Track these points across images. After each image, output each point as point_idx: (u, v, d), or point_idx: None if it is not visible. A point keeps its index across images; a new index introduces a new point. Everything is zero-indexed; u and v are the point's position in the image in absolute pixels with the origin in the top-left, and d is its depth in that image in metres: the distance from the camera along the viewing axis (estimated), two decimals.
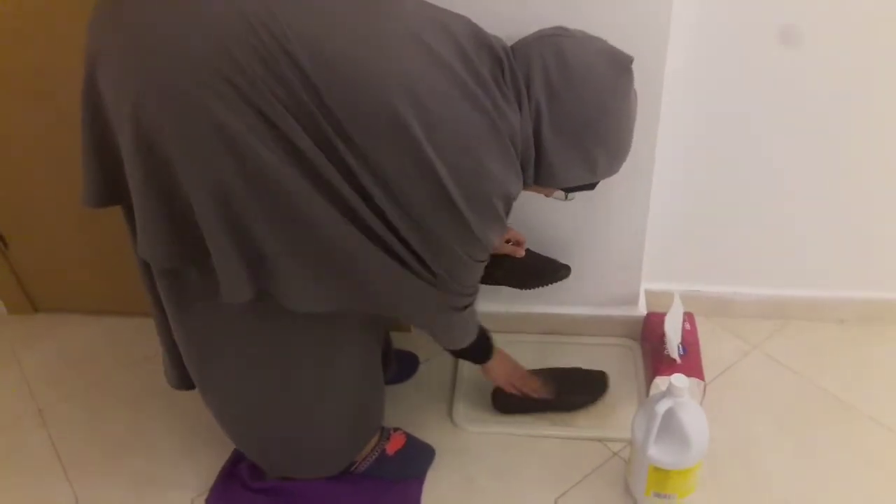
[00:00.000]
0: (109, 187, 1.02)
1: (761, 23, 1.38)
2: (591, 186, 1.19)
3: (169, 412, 1.61)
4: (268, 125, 0.90)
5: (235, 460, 1.47)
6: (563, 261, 1.54)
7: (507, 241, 1.49)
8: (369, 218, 0.98)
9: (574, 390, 1.56)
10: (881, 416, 1.50)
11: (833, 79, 1.42)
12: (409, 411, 1.57)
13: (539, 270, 1.53)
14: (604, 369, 1.60)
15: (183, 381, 1.28)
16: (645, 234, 1.58)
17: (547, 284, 1.53)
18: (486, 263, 1.16)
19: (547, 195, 1.22)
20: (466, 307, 1.22)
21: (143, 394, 1.67)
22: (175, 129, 0.91)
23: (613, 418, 1.53)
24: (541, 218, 1.55)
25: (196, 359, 1.21)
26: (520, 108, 1.04)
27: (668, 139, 1.46)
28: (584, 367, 1.61)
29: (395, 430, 1.47)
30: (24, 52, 1.51)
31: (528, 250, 1.52)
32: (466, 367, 1.66)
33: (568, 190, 1.19)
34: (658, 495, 1.29)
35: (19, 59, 1.53)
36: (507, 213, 1.09)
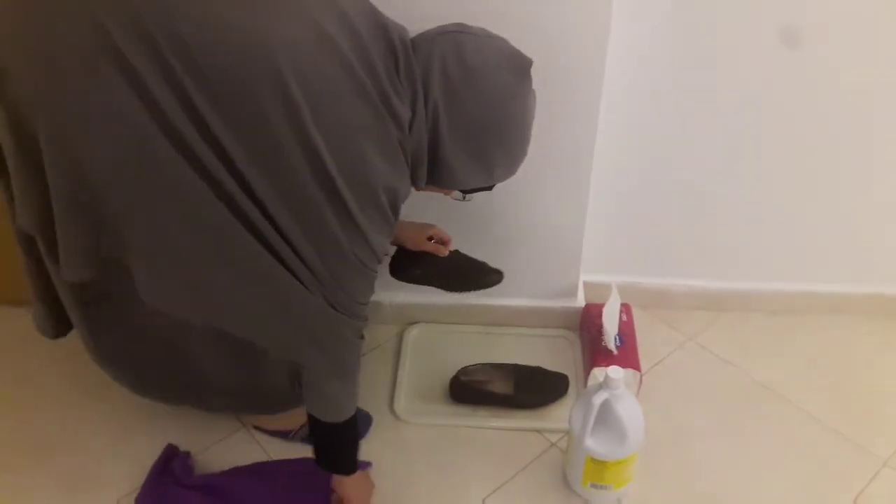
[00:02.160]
0: None
1: (702, 13, 1.39)
2: (490, 188, 1.17)
3: (98, 408, 1.54)
4: (138, 94, 0.87)
5: (168, 457, 1.42)
6: (508, 264, 1.49)
7: (430, 239, 1.43)
8: (246, 206, 0.94)
9: (533, 389, 1.56)
10: (810, 405, 1.55)
11: (767, 70, 1.46)
12: None
13: (465, 273, 1.48)
14: (542, 360, 1.62)
15: (59, 329, 1.27)
16: (584, 227, 1.60)
17: (475, 289, 1.49)
18: (374, 276, 1.10)
19: (445, 195, 1.21)
20: (354, 332, 1.13)
21: (70, 389, 1.60)
22: (39, 101, 0.90)
23: (552, 409, 1.54)
24: (478, 211, 1.54)
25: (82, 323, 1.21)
26: (414, 105, 1.02)
27: (607, 132, 1.47)
28: (522, 359, 1.62)
29: None
30: None
31: (456, 252, 1.48)
32: (408, 359, 1.65)
33: (466, 191, 1.18)
34: (595, 486, 1.31)
35: None
36: (395, 212, 1.06)
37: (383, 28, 1.01)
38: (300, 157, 0.93)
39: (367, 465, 1.39)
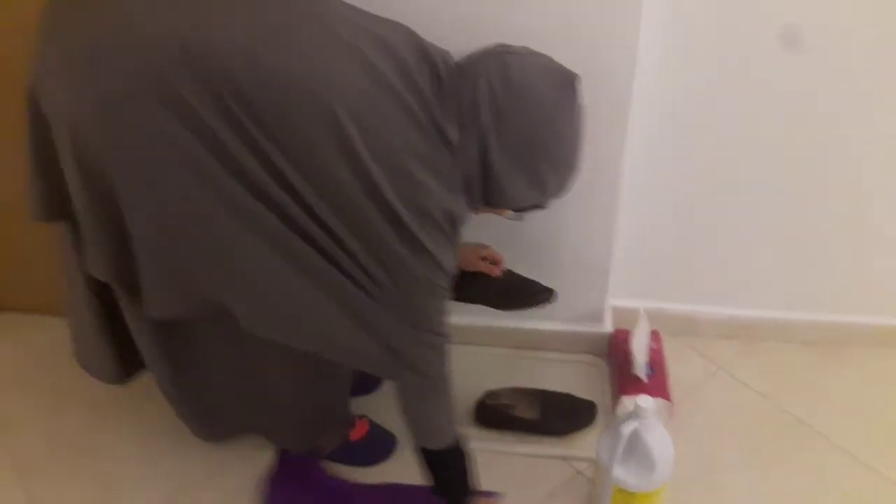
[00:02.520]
0: (56, 202, 1.04)
1: (736, 36, 1.38)
2: (543, 206, 1.17)
3: (130, 417, 1.56)
4: (203, 141, 0.90)
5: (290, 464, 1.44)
6: (543, 282, 1.49)
7: (483, 259, 1.45)
8: (318, 234, 0.97)
9: (560, 416, 1.54)
10: (843, 440, 1.51)
11: (809, 99, 1.44)
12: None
13: (518, 292, 1.48)
14: (570, 386, 1.60)
15: (123, 371, 1.29)
16: (612, 250, 1.58)
17: (526, 307, 1.49)
18: (447, 295, 1.12)
19: (499, 215, 1.21)
20: (437, 348, 1.14)
21: (104, 398, 1.61)
22: (109, 150, 0.93)
23: (579, 437, 1.52)
24: (504, 233, 1.53)
25: (165, 363, 1.23)
26: (462, 128, 1.02)
27: (637, 155, 1.47)
28: (549, 384, 1.60)
29: (361, 417, 1.48)
30: None
31: (509, 271, 1.48)
32: None
33: (519, 210, 1.18)
34: None
35: None
36: (455, 232, 1.07)
37: (426, 53, 1.03)
38: (360, 190, 0.96)
39: (496, 495, 1.36)
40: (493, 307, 1.47)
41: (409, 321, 1.08)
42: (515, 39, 1.10)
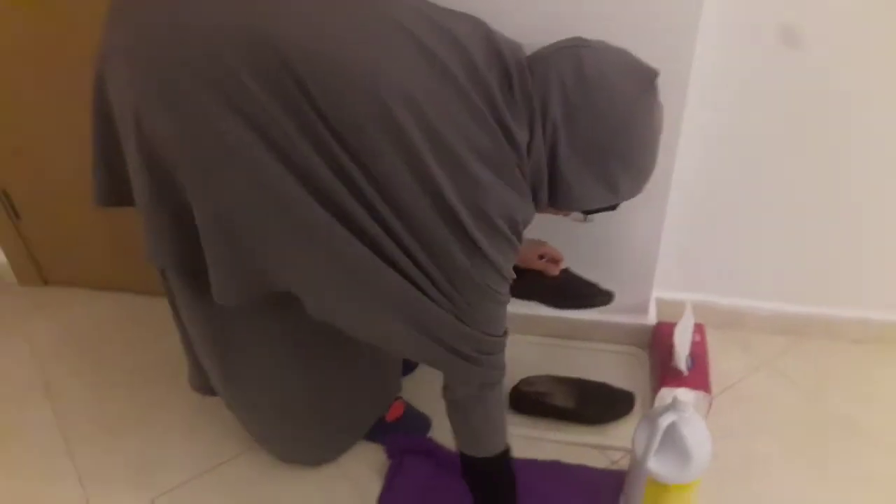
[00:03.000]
0: (118, 189, 1.05)
1: (787, 33, 1.34)
2: (613, 207, 1.11)
3: (174, 393, 1.60)
4: (266, 135, 0.90)
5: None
6: (592, 274, 1.45)
7: (541, 258, 1.41)
8: (377, 233, 0.95)
9: (596, 404, 1.53)
10: (889, 439, 1.46)
11: (863, 92, 1.39)
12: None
13: (575, 293, 1.44)
14: (608, 376, 1.58)
15: (207, 385, 1.30)
16: (659, 242, 1.55)
17: (583, 307, 1.46)
18: (507, 300, 1.09)
19: (565, 216, 1.17)
20: (495, 373, 1.13)
21: (149, 372, 1.67)
22: (175, 139, 0.93)
23: (614, 427, 1.51)
24: (552, 222, 1.52)
25: (216, 359, 1.22)
26: (532, 126, 0.98)
27: (689, 145, 1.43)
28: (587, 373, 1.59)
29: (396, 398, 1.50)
30: (40, 27, 1.52)
31: (567, 270, 1.44)
32: None
33: (588, 212, 1.13)
34: None
35: (33, 34, 1.54)
36: (518, 235, 1.03)
37: (497, 50, 0.98)
38: (419, 192, 0.93)
39: None
40: (549, 305, 1.44)
41: (468, 324, 1.05)
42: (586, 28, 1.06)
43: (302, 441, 1.41)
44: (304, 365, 1.24)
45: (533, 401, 1.52)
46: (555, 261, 1.41)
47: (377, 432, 1.48)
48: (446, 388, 1.15)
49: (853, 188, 1.51)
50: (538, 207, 1.06)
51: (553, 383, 1.55)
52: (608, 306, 1.64)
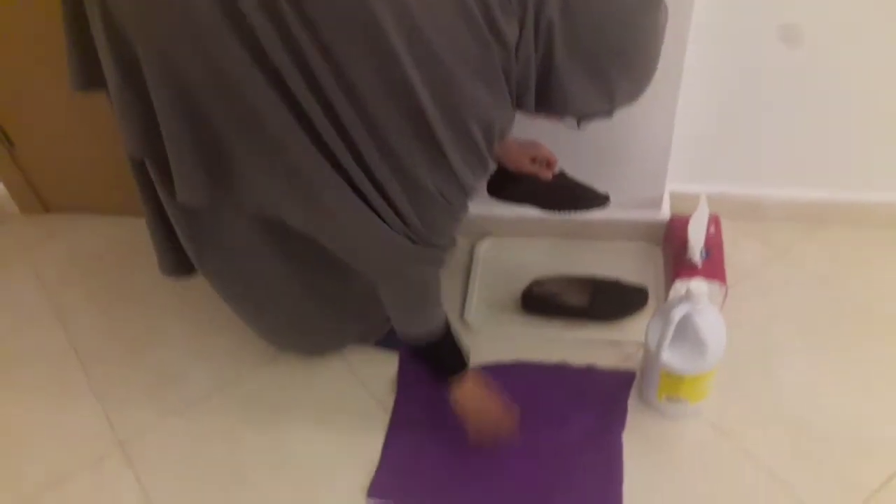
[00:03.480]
0: (91, 72, 1.00)
1: None
2: (610, 115, 1.04)
3: (184, 310, 1.61)
4: (231, 14, 0.84)
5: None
6: (588, 173, 1.38)
7: (534, 161, 1.34)
8: (333, 141, 0.92)
9: (609, 301, 1.51)
10: None
11: None
12: None
13: (570, 197, 1.38)
14: (621, 273, 1.56)
15: (178, 267, 1.27)
16: (672, 131, 1.49)
17: (577, 210, 1.39)
18: (464, 212, 1.07)
19: (558, 122, 1.09)
20: (435, 261, 1.11)
21: (158, 292, 1.67)
22: (140, 22, 0.89)
23: (629, 322, 1.50)
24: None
25: (193, 244, 1.20)
26: (523, 23, 0.90)
27: (700, 30, 1.35)
28: (599, 272, 1.56)
29: None
30: None
31: (562, 174, 1.38)
32: (479, 272, 1.63)
33: (582, 118, 1.06)
34: (670, 399, 1.27)
35: None
36: (490, 148, 0.99)
37: None
38: (388, 90, 0.88)
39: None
40: (543, 209, 1.39)
41: (412, 235, 1.03)
42: None
43: (295, 329, 1.40)
44: (284, 254, 1.20)
45: (545, 301, 1.50)
46: (548, 164, 1.35)
47: (392, 339, 1.47)
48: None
49: (874, 68, 1.43)
50: (524, 113, 1.01)
51: (565, 283, 1.53)
52: (621, 202, 1.60)
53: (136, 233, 1.81)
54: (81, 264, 1.79)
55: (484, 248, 1.70)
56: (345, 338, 1.47)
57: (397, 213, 1.00)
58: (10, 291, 1.73)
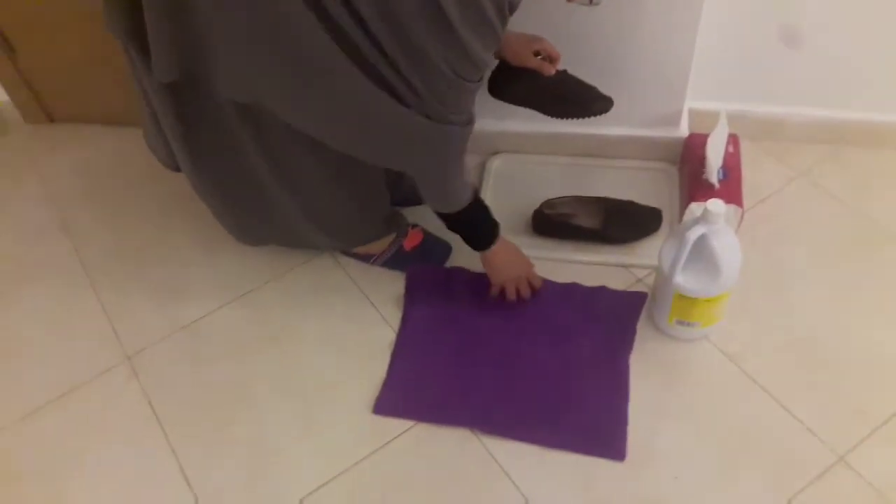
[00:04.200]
0: None
1: None
2: None
3: (192, 222, 1.59)
4: None
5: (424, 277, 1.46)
6: (604, 88, 1.33)
7: (537, 55, 1.29)
8: (345, 21, 0.90)
9: (623, 224, 1.47)
10: None
11: None
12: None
13: (571, 96, 1.33)
14: (635, 195, 1.52)
15: (172, 158, 1.27)
16: (693, 46, 1.42)
17: (579, 116, 1.35)
18: (476, 87, 1.04)
19: (569, 1, 1.08)
20: (454, 138, 1.10)
21: (165, 204, 1.65)
22: None
23: (641, 245, 1.47)
24: (577, 26, 1.39)
25: (180, 140, 1.19)
26: None
27: None
28: (613, 193, 1.52)
29: (414, 226, 1.48)
30: None
31: (565, 72, 1.33)
32: (490, 190, 1.60)
33: None
34: (681, 323, 1.26)
35: None
36: (503, 19, 0.96)
37: None
38: None
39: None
40: (543, 112, 1.34)
41: (429, 113, 1.03)
42: None
43: (265, 223, 1.39)
44: (266, 150, 1.18)
45: (557, 223, 1.47)
46: (551, 59, 1.30)
47: (397, 260, 1.47)
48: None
49: None
50: None
51: (577, 204, 1.50)
52: (638, 119, 1.55)
53: (142, 143, 1.78)
54: (87, 175, 1.76)
55: (495, 166, 1.66)
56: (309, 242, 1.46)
57: (410, 87, 0.99)
58: (15, 204, 1.72)
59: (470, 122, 1.10)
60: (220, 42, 0.96)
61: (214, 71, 1.00)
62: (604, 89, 1.35)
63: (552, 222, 1.47)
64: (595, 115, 1.34)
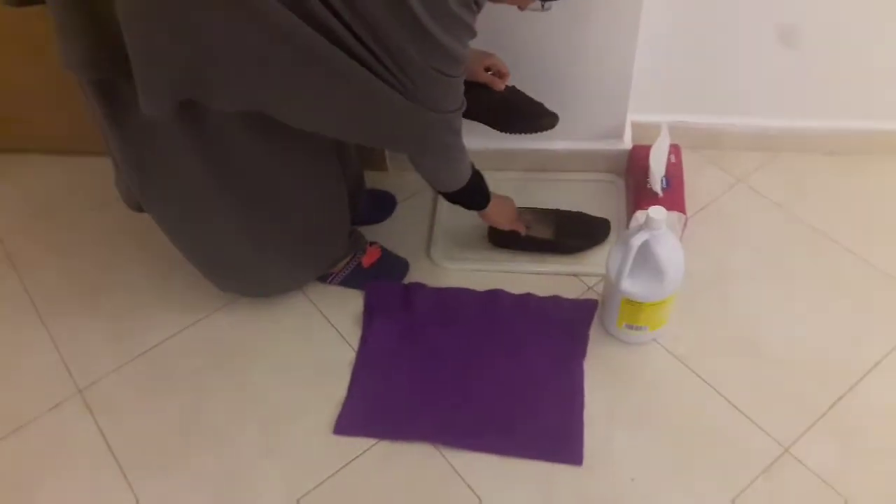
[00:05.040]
0: None
1: None
2: None
3: (141, 252, 1.57)
4: None
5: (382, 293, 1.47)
6: (550, 104, 1.39)
7: (487, 70, 1.35)
8: (333, 24, 0.90)
9: (574, 234, 1.51)
10: (859, 247, 1.48)
11: None
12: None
13: (519, 112, 1.38)
14: (585, 206, 1.56)
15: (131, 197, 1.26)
16: (633, 62, 1.47)
17: (528, 131, 1.39)
18: (461, 79, 1.07)
19: (521, 7, 1.10)
20: (448, 126, 1.13)
21: (113, 234, 1.63)
22: None
23: (590, 254, 1.51)
24: (524, 45, 1.43)
25: (135, 173, 1.17)
26: None
27: None
28: (564, 205, 1.56)
29: (372, 244, 1.49)
30: None
31: (513, 88, 1.37)
32: (444, 206, 1.60)
33: None
34: (630, 327, 1.29)
35: None
36: (470, 13, 0.97)
37: None
38: None
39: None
40: (491, 126, 1.38)
41: (430, 107, 1.05)
42: None
43: (236, 269, 1.38)
44: (223, 185, 1.17)
45: (510, 235, 1.50)
46: (501, 75, 1.35)
47: (355, 278, 1.47)
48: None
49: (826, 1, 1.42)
50: None
51: (530, 216, 1.53)
52: (584, 133, 1.60)
53: (87, 174, 1.78)
54: (34, 206, 1.73)
55: None
56: (282, 282, 1.45)
57: (399, 80, 1.00)
58: None
59: (460, 107, 1.13)
60: (222, 56, 0.94)
61: (218, 87, 0.98)
62: (550, 105, 1.39)
63: (507, 235, 1.50)
64: (543, 130, 1.39)
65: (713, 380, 1.29)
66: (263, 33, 0.89)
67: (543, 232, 1.51)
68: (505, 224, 1.44)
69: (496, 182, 1.63)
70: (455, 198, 1.32)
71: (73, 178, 1.78)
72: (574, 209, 1.56)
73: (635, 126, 1.66)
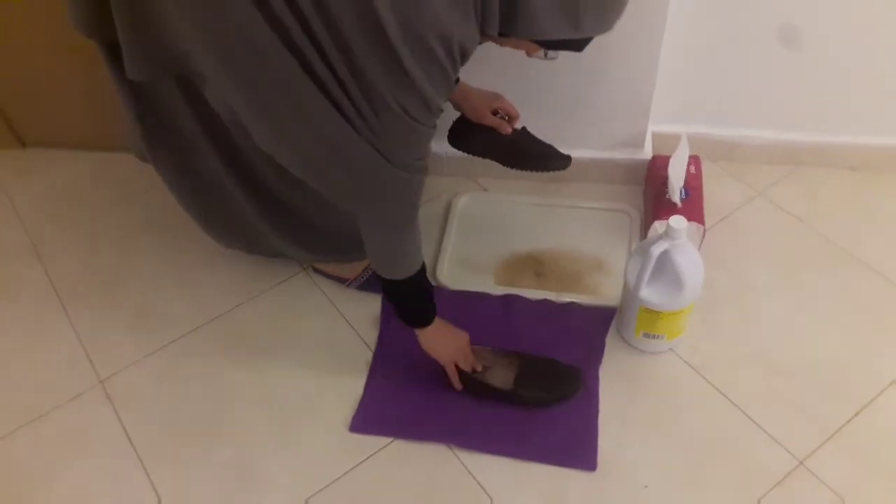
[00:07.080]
0: None
1: None
2: (579, 46, 1.00)
3: (164, 246, 1.60)
4: None
5: None
6: (572, 114, 1.35)
7: (495, 113, 1.31)
8: (308, 51, 0.89)
9: (536, 385, 1.30)
10: (879, 264, 1.47)
11: None
12: None
13: (530, 154, 1.34)
14: (597, 236, 1.55)
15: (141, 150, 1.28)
16: (656, 73, 1.48)
17: (537, 171, 1.35)
18: (431, 134, 1.01)
19: (528, 53, 1.05)
20: (407, 186, 1.05)
21: (137, 228, 1.66)
22: None
23: (605, 287, 1.47)
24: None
25: (138, 125, 1.20)
26: None
27: None
28: (575, 234, 1.54)
29: None
30: None
31: (523, 130, 1.34)
32: (454, 227, 1.60)
33: (548, 46, 1.01)
34: (647, 336, 1.30)
35: None
36: (454, 65, 0.94)
37: None
38: (353, 12, 0.85)
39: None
40: (501, 163, 1.35)
41: (383, 152, 0.99)
42: None
43: (234, 226, 1.38)
44: (216, 145, 1.20)
45: (468, 377, 1.30)
46: (510, 118, 1.33)
47: (371, 283, 1.48)
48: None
49: (851, 14, 1.42)
50: (489, 34, 0.96)
51: (493, 356, 1.33)
52: (604, 142, 1.60)
53: (114, 169, 1.81)
54: (60, 200, 1.76)
55: (461, 205, 1.66)
56: (282, 251, 1.43)
57: (367, 123, 0.96)
58: None
59: (421, 170, 1.05)
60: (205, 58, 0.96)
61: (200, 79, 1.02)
62: (572, 115, 1.39)
63: (465, 375, 1.30)
64: (553, 171, 1.36)
65: (729, 391, 1.29)
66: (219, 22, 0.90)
67: (503, 377, 1.31)
68: (442, 357, 1.26)
69: (509, 206, 1.65)
70: (395, 294, 1.20)
71: (98, 173, 1.81)
72: (586, 240, 1.54)
73: (655, 136, 1.67)
